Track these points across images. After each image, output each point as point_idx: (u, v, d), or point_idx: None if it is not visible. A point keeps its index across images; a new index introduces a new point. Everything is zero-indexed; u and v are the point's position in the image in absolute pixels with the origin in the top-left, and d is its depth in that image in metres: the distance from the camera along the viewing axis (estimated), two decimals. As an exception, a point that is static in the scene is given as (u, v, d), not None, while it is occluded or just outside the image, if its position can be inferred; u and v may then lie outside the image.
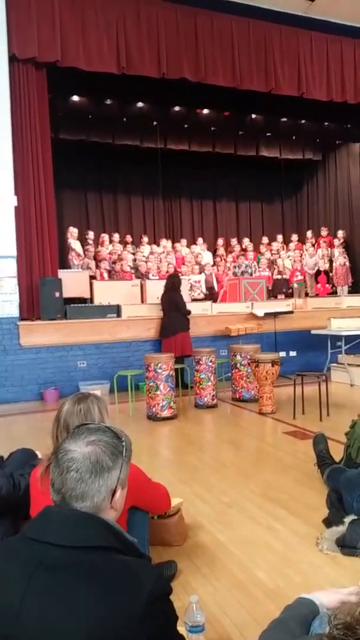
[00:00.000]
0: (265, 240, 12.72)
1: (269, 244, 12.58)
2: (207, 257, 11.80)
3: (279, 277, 11.39)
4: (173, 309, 7.16)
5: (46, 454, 1.96)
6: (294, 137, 12.36)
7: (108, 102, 9.95)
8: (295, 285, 11.22)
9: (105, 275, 10.06)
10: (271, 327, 8.08)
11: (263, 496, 3.25)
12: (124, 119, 10.41)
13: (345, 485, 2.77)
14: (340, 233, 12.44)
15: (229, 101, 9.71)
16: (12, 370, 7.04)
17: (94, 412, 1.96)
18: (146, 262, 10.57)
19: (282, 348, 8.07)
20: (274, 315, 8.09)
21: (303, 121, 11.56)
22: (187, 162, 12.36)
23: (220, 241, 12.72)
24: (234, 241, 12.60)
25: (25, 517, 2.18)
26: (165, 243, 11.80)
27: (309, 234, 12.94)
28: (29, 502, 2.00)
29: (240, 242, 12.62)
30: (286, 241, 12.93)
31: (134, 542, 1.22)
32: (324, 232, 12.64)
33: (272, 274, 11.49)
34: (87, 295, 8.67)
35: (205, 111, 10.85)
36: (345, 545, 2.45)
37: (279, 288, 11.15)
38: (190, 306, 7.44)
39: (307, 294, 11.17)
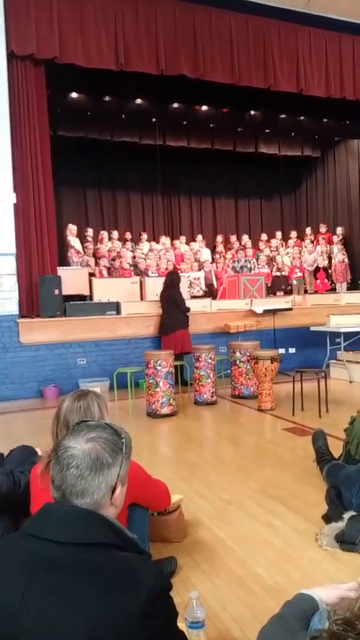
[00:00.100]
0: (264, 237, 12.73)
1: (268, 240, 12.59)
2: (206, 254, 11.79)
3: (278, 274, 11.40)
4: (172, 306, 7.15)
5: (46, 451, 1.96)
6: (292, 134, 12.35)
7: (107, 98, 9.91)
8: (294, 282, 11.23)
9: (105, 272, 10.06)
10: (270, 324, 8.08)
11: (262, 493, 3.25)
12: (123, 116, 10.37)
13: (344, 481, 2.78)
14: (339, 230, 12.45)
15: (227, 98, 9.67)
16: (11, 367, 7.04)
17: (93, 409, 1.96)
18: (145, 259, 10.57)
19: (281, 345, 8.07)
20: (273, 312, 8.10)
21: (302, 118, 11.53)
22: (186, 159, 12.35)
23: (220, 238, 12.73)
24: (233, 238, 12.60)
25: (25, 514, 2.18)
26: (165, 240, 11.81)
27: (308, 230, 12.95)
28: (29, 499, 2.01)
29: (239, 239, 12.62)
30: (285, 238, 12.94)
31: (134, 538, 1.22)
32: (322, 228, 12.65)
33: (271, 271, 11.50)
34: (86, 292, 8.67)
35: (204, 108, 10.81)
36: (345, 541, 2.46)
37: (278, 285, 11.17)
38: (189, 303, 7.44)
39: (306, 291, 11.18)
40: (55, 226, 8.13)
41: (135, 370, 6.27)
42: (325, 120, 11.68)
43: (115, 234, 11.42)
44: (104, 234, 11.37)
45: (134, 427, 5.00)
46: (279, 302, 8.91)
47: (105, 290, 8.38)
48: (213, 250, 12.35)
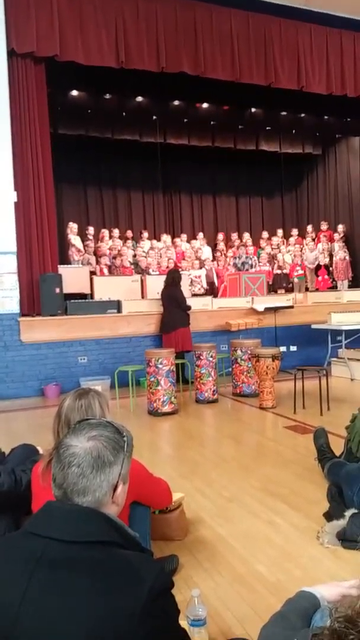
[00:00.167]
0: (265, 234, 12.72)
1: (269, 238, 12.58)
2: (207, 252, 11.79)
3: (279, 271, 11.39)
4: (173, 305, 7.15)
5: (47, 450, 1.96)
6: (293, 131, 12.31)
7: (107, 96, 9.91)
8: (295, 279, 11.21)
9: (106, 270, 10.06)
10: (271, 322, 8.08)
11: (264, 490, 3.26)
12: (123, 114, 10.36)
13: (345, 479, 2.78)
14: (340, 227, 12.42)
15: (228, 95, 9.65)
16: (12, 366, 7.04)
17: (95, 408, 1.96)
18: (146, 257, 10.56)
19: (282, 343, 8.07)
20: (275, 310, 8.09)
21: (303, 115, 11.51)
22: (186, 157, 12.34)
23: (220, 236, 12.71)
24: (234, 236, 12.59)
25: (27, 513, 2.18)
26: (165, 238, 11.79)
27: (309, 228, 12.93)
28: (31, 498, 2.01)
29: (240, 236, 12.60)
30: (286, 236, 12.92)
31: (135, 536, 1.22)
32: (324, 226, 12.63)
33: (273, 269, 11.49)
34: (87, 290, 8.68)
35: (205, 105, 10.80)
36: (346, 539, 2.46)
37: (279, 283, 11.16)
38: (190, 301, 7.44)
39: (307, 289, 11.18)
40: (56, 224, 8.14)
41: (136, 369, 6.27)
42: (326, 117, 11.67)
43: (116, 232, 11.41)
44: (105, 232, 11.37)
45: (135, 425, 5.01)
46: (280, 300, 8.90)
47: (106, 288, 8.38)
48: (214, 248, 12.34)
